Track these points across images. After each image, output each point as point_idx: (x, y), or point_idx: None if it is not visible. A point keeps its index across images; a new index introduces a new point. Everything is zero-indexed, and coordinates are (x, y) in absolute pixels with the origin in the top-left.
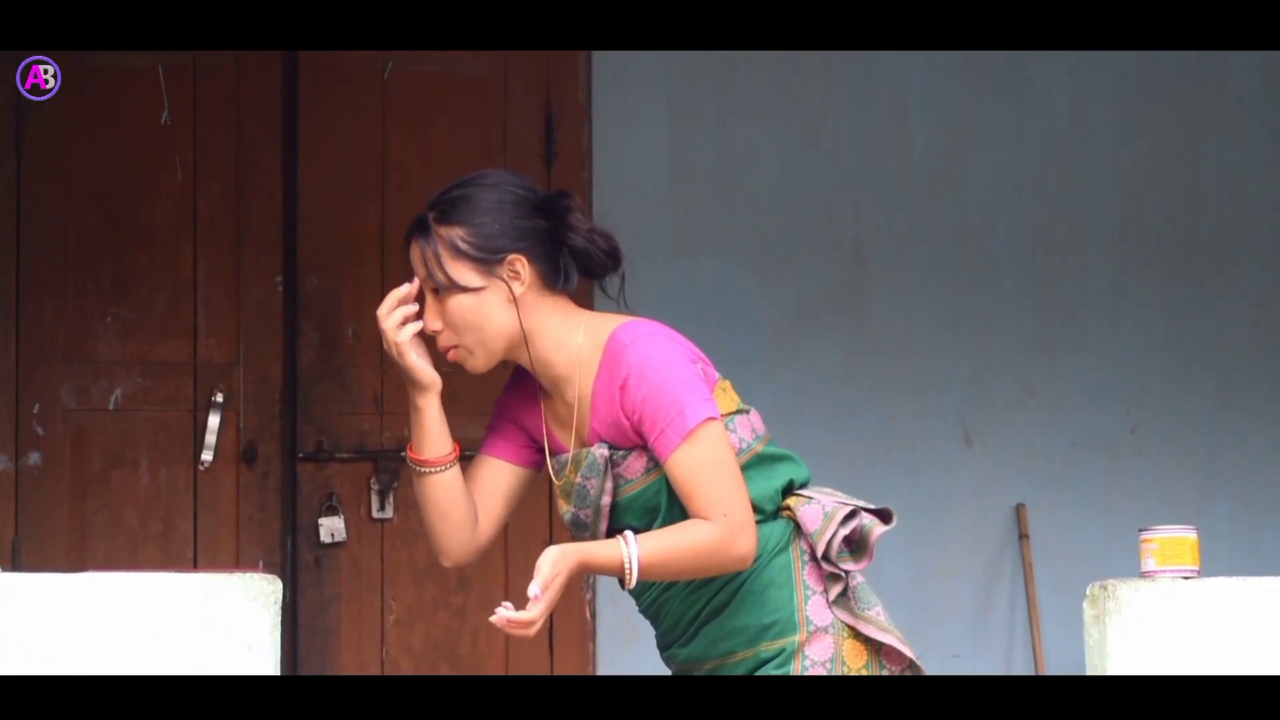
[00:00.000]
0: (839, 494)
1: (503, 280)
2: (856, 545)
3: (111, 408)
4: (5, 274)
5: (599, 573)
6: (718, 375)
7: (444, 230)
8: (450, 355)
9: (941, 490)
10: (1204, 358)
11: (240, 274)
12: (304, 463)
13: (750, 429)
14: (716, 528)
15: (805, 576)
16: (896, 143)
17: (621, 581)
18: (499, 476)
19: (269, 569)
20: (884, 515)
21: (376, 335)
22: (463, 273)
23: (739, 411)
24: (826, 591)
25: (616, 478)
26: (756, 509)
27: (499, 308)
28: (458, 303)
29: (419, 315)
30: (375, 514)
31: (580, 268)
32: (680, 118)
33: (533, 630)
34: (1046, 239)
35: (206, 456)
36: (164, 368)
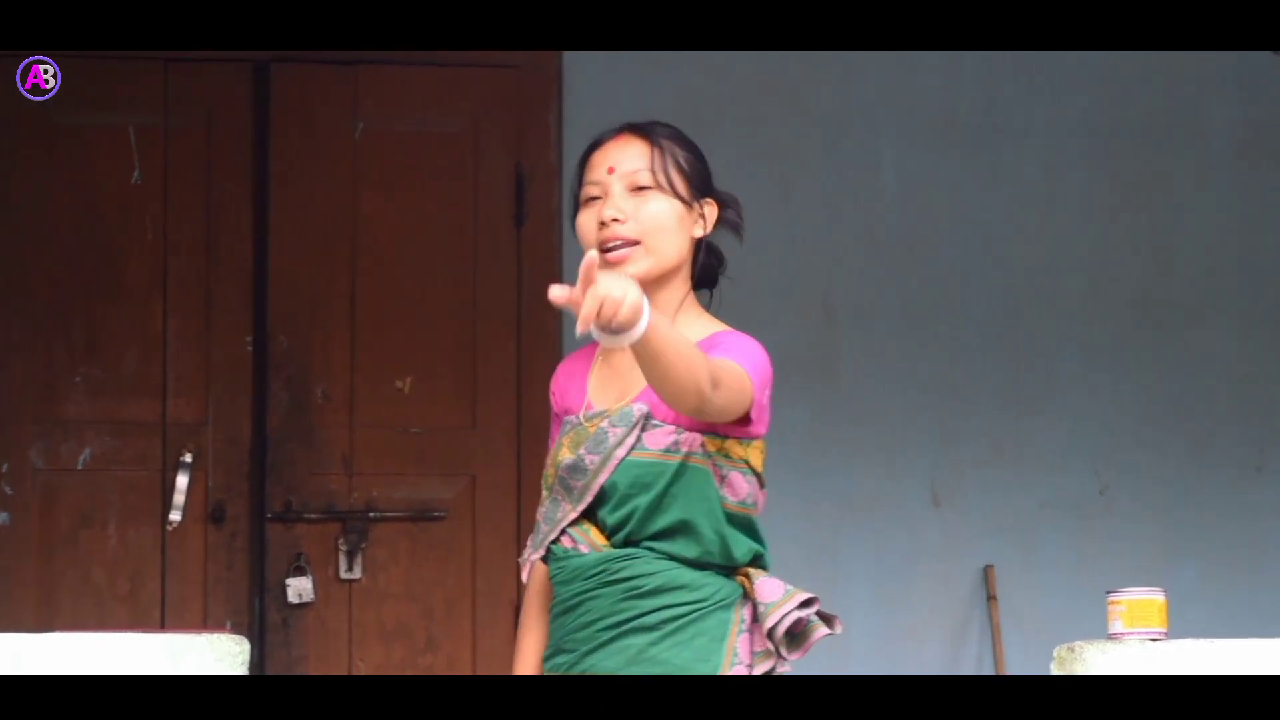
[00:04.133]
0: None
1: (700, 215)
2: (795, 637)
3: (80, 467)
4: None
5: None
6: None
7: (669, 144)
8: (613, 255)
9: (909, 551)
10: (1173, 419)
11: (210, 333)
12: (272, 523)
13: (758, 494)
14: (712, 361)
15: (737, 643)
16: (867, 201)
17: None
18: None
19: (237, 629)
20: (830, 620)
21: (346, 395)
22: (680, 185)
23: (759, 474)
24: (752, 666)
25: (636, 440)
26: (733, 559)
27: (684, 233)
28: (664, 204)
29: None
30: (343, 574)
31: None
32: None
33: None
34: (1016, 299)
35: (175, 516)
36: (133, 427)
